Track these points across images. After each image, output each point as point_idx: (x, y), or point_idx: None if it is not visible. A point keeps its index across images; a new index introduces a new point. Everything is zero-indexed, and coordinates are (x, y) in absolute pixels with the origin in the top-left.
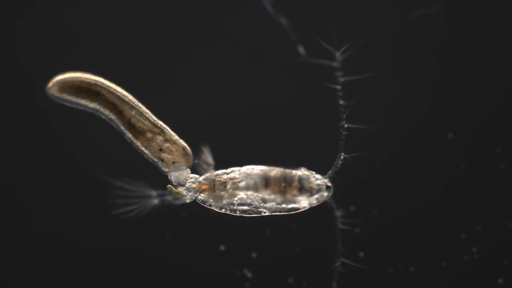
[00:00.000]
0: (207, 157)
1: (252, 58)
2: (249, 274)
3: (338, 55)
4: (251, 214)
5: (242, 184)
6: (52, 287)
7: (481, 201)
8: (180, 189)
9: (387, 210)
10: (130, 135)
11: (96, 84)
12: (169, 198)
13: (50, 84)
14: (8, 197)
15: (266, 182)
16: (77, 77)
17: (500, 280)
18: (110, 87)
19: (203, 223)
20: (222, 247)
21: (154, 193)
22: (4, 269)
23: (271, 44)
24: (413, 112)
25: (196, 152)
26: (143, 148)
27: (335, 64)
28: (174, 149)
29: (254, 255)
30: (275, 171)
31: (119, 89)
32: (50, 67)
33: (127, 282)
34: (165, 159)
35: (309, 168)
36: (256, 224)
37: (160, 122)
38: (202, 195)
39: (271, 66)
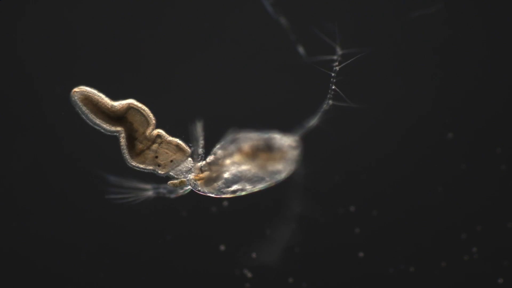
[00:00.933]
0: (198, 144)
1: (252, 57)
2: (249, 274)
3: (338, 49)
4: (241, 192)
5: (220, 153)
6: (52, 287)
7: (481, 201)
8: (181, 177)
9: (387, 210)
10: (128, 156)
11: (125, 112)
12: (163, 190)
13: (75, 90)
14: (8, 197)
15: (239, 148)
16: (108, 103)
17: (500, 280)
18: (138, 115)
19: (203, 223)
20: (222, 247)
21: (149, 186)
22: (4, 269)
23: (271, 43)
24: (413, 111)
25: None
26: (139, 165)
27: (335, 58)
28: (168, 150)
29: (254, 255)
30: (247, 140)
31: (145, 113)
32: (50, 67)
33: (127, 282)
34: (162, 163)
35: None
36: (256, 224)
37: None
38: (198, 183)
39: (271, 66)
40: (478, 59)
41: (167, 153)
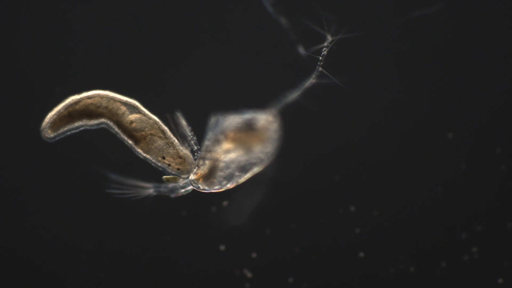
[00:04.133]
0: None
1: (252, 57)
2: (249, 274)
3: (328, 37)
4: (239, 179)
5: (210, 145)
6: (52, 287)
7: (481, 201)
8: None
9: (387, 210)
10: (131, 142)
11: (93, 104)
12: (164, 189)
13: (43, 131)
14: (8, 197)
15: (225, 135)
16: (66, 106)
17: (500, 280)
18: (104, 101)
19: (203, 223)
20: (222, 247)
21: (149, 185)
22: (4, 269)
23: (271, 42)
24: (413, 112)
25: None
26: (143, 154)
27: (324, 45)
28: (173, 158)
29: (254, 255)
30: (230, 126)
31: (112, 98)
32: (50, 66)
33: (127, 282)
34: (172, 163)
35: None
36: (256, 224)
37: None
38: (199, 182)
39: (271, 65)
40: (478, 59)
41: (175, 159)
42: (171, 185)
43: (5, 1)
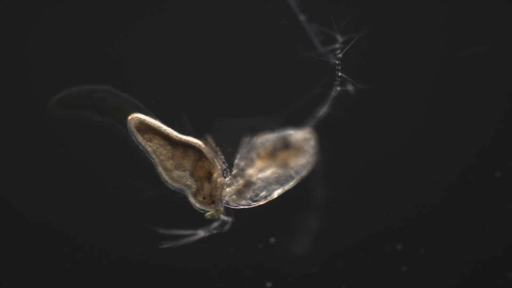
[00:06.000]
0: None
1: (254, 57)
2: (249, 274)
3: (339, 38)
4: (272, 196)
5: (241, 163)
6: (51, 287)
7: (481, 201)
8: (213, 208)
9: (387, 210)
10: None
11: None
12: (214, 227)
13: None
14: (8, 196)
15: (258, 154)
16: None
17: (501, 280)
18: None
19: (203, 223)
20: (223, 247)
21: (200, 231)
22: (4, 269)
23: (274, 41)
24: (414, 111)
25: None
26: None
27: (336, 46)
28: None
29: (253, 255)
30: (263, 144)
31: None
32: (50, 66)
33: (127, 282)
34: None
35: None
36: (256, 224)
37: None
38: (230, 199)
39: (274, 65)
40: (479, 58)
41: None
42: (216, 223)
43: (5, 1)
